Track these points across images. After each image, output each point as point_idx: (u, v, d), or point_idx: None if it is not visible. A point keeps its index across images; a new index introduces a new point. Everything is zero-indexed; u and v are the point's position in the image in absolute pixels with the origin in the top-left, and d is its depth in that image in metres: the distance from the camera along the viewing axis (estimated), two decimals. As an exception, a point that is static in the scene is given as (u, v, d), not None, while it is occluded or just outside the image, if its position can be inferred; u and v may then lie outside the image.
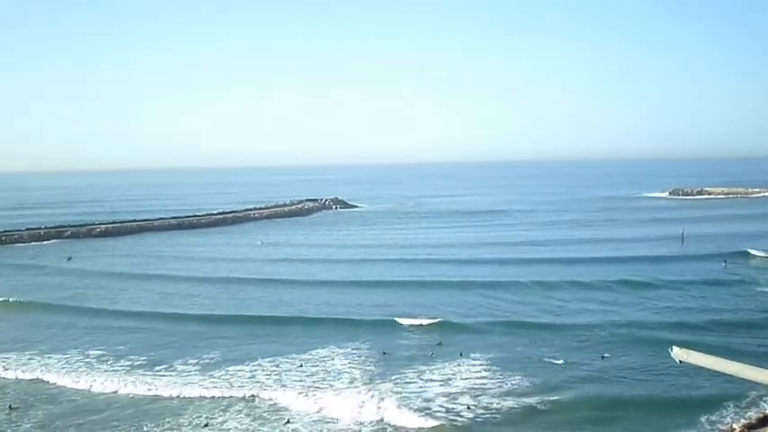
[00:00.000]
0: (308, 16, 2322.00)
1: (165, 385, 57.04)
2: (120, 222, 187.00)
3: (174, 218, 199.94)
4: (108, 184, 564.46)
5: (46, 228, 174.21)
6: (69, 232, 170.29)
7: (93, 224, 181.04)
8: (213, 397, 54.07)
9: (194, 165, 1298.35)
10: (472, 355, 62.83)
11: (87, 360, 65.18)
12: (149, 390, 56.39)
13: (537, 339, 66.87)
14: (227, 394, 54.42)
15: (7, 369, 63.23)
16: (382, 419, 48.79)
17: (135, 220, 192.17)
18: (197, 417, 50.37)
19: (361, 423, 48.50)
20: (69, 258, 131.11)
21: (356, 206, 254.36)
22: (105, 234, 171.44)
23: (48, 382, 59.50)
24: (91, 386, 57.78)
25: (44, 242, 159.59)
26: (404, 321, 74.72)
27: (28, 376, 61.11)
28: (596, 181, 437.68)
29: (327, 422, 48.94)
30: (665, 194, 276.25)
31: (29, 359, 65.94)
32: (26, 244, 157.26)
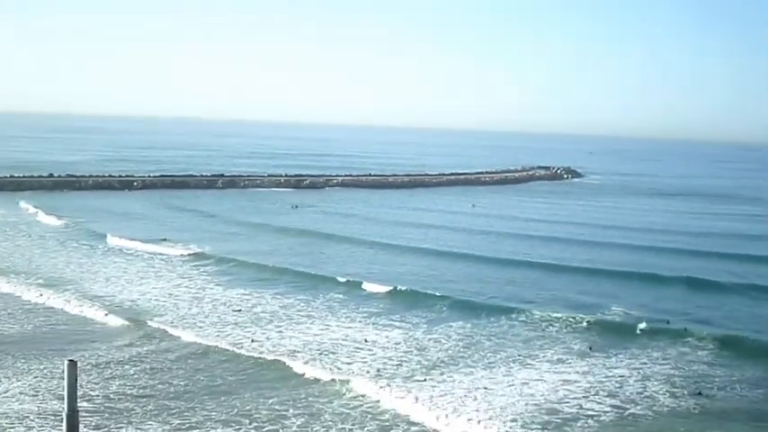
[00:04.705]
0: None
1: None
2: (356, 176, 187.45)
3: (406, 175, 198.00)
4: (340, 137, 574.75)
5: (286, 176, 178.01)
6: (308, 181, 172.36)
7: (330, 176, 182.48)
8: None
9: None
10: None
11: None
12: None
13: None
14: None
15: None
16: None
17: (370, 175, 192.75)
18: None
19: None
20: (296, 206, 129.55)
21: (588, 177, 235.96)
22: (342, 185, 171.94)
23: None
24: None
25: (281, 189, 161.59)
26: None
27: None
28: None
29: None
30: None
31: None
32: (267, 189, 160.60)
